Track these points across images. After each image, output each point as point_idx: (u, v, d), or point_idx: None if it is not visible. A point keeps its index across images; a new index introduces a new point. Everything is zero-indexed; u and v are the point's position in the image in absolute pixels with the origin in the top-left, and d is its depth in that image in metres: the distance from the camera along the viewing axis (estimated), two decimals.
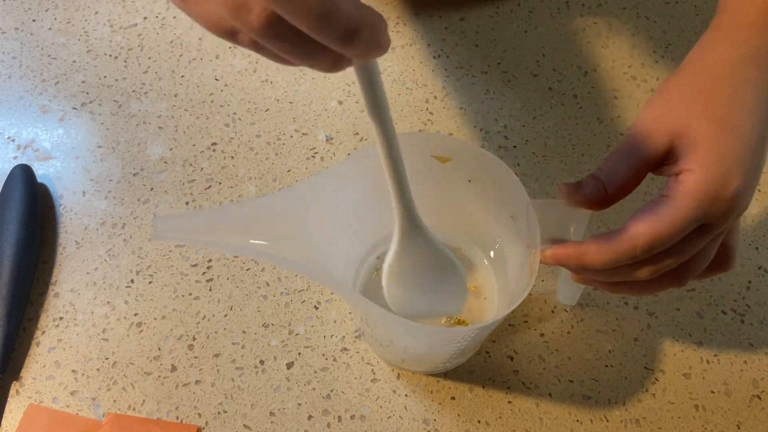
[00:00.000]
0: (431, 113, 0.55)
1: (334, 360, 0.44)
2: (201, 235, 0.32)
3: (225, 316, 0.45)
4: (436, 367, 0.43)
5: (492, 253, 0.44)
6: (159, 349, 0.44)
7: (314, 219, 0.37)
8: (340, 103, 0.56)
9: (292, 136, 0.54)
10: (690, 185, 0.30)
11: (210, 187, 0.51)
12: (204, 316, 0.45)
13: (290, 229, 0.34)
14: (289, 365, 0.44)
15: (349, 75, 0.57)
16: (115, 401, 0.42)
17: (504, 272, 0.42)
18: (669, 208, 0.30)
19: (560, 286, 0.44)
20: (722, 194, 0.30)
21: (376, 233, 0.45)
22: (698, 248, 0.32)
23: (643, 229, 0.30)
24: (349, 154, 0.52)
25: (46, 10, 0.61)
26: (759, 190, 0.52)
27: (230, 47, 0.59)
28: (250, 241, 0.32)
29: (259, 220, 0.33)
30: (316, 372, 0.43)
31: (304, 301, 0.46)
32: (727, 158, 0.30)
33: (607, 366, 0.44)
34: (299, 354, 0.44)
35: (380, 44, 0.22)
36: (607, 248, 0.31)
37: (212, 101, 0.55)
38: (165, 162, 0.52)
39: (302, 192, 0.35)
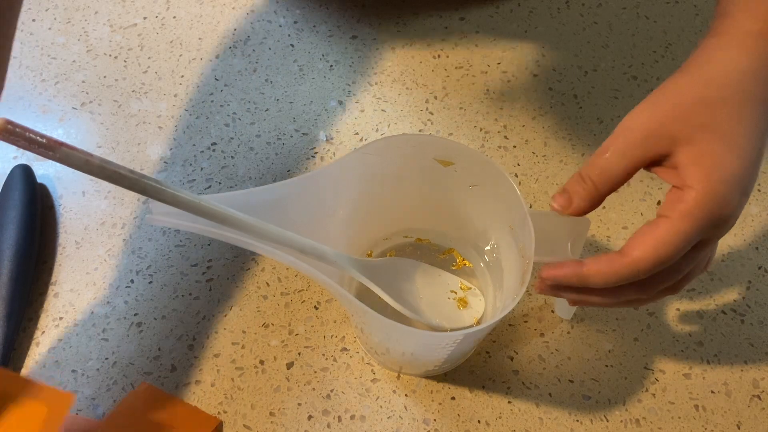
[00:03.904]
0: (431, 113, 0.55)
1: (334, 360, 0.44)
2: (196, 220, 0.31)
3: (225, 316, 0.45)
4: (429, 371, 0.43)
5: (489, 259, 0.44)
6: (159, 349, 0.44)
7: (312, 215, 0.37)
8: (340, 103, 0.56)
9: (292, 136, 0.54)
10: (691, 204, 0.30)
11: (210, 187, 0.51)
12: (204, 316, 0.45)
13: (290, 224, 0.34)
14: (289, 365, 0.44)
15: (349, 75, 0.57)
16: (114, 401, 0.42)
17: (500, 278, 0.42)
18: (670, 230, 0.30)
19: (557, 299, 0.44)
20: (722, 213, 0.30)
21: (371, 234, 0.45)
22: (696, 262, 0.33)
23: (645, 253, 0.30)
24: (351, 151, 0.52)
25: (46, 10, 0.61)
26: (759, 190, 0.52)
27: (230, 47, 0.59)
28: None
29: (259, 211, 0.33)
30: (316, 372, 0.43)
31: (304, 301, 0.46)
32: (731, 177, 0.30)
33: (607, 366, 0.44)
34: (299, 354, 0.44)
35: None
36: (609, 272, 0.31)
37: (212, 101, 0.55)
38: (165, 162, 0.52)
39: (300, 186, 0.35)
